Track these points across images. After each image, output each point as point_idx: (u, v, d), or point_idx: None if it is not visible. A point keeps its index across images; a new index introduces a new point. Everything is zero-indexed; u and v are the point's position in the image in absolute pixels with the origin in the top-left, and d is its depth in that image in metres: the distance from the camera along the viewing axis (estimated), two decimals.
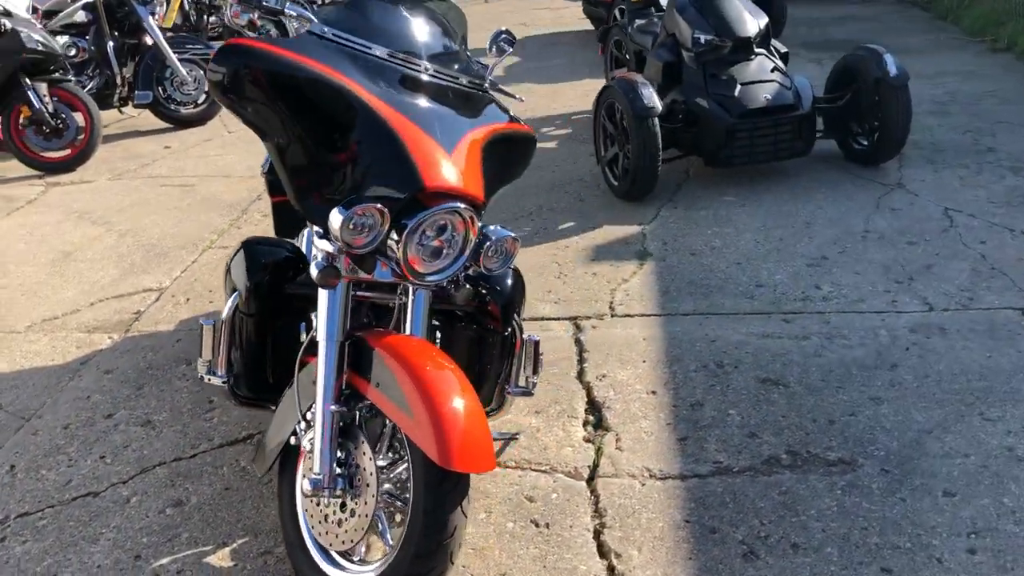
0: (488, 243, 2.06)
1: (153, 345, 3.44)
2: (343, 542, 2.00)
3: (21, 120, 5.77)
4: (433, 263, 1.97)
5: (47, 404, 3.07)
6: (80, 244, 4.60)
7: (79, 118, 5.97)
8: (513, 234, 2.11)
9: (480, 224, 2.03)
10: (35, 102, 5.70)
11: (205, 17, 7.90)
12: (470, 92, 2.17)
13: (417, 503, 1.86)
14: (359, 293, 2.11)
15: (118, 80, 6.53)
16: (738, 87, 4.58)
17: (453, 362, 1.96)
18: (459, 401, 1.83)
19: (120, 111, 6.82)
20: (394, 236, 1.90)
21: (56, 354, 3.43)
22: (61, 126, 5.86)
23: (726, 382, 2.93)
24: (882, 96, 4.56)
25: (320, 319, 1.99)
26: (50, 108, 5.78)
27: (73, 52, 6.60)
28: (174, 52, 6.51)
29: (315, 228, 2.00)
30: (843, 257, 3.79)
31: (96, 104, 6.07)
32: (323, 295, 1.99)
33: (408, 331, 2.06)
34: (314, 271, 1.89)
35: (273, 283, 2.17)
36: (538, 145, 5.70)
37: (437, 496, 1.84)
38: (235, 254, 2.22)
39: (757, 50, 4.76)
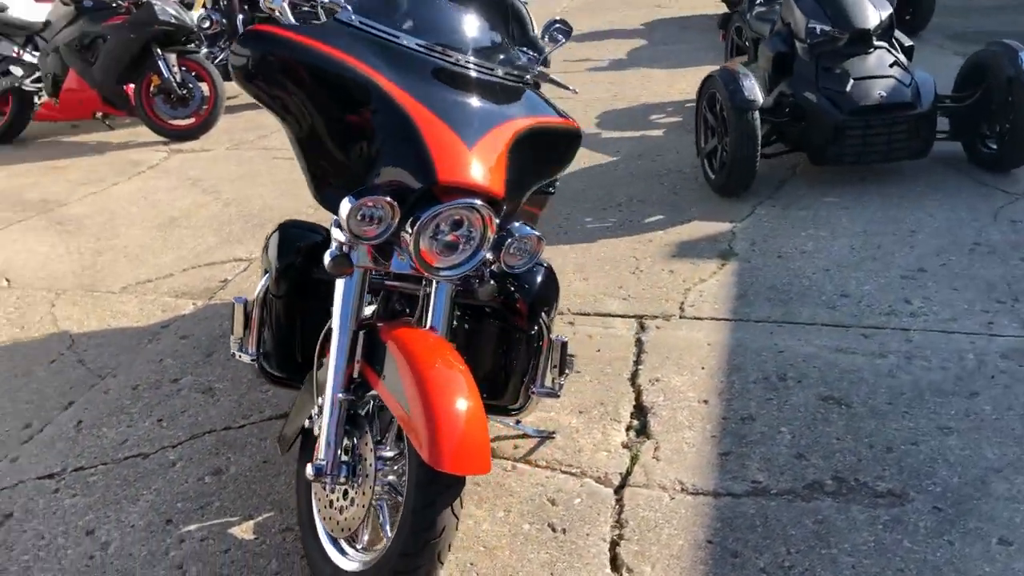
0: (510, 240, 2.00)
1: (231, 314, 3.56)
2: (343, 529, 2.01)
3: (151, 88, 6.08)
4: (448, 258, 1.93)
5: (123, 364, 3.23)
6: (187, 211, 4.82)
7: (205, 88, 6.24)
8: (537, 233, 2.04)
9: (499, 220, 1.97)
10: (164, 72, 6.00)
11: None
12: (508, 84, 2.11)
13: (408, 500, 1.84)
14: (388, 282, 2.11)
15: None
16: (851, 82, 4.32)
17: (463, 361, 1.92)
18: (459, 401, 1.80)
19: None
20: (409, 228, 1.88)
21: (142, 316, 3.61)
22: (187, 95, 6.14)
23: (785, 397, 2.77)
24: (1015, 96, 4.19)
25: (335, 307, 1.99)
26: (178, 78, 6.06)
27: (207, 24, 6.89)
28: None
29: (333, 217, 2.00)
30: (943, 270, 3.52)
31: (221, 75, 6.32)
32: (339, 283, 1.99)
33: (429, 323, 2.04)
34: (327, 259, 1.90)
35: (303, 267, 2.19)
36: (644, 133, 5.63)
37: (427, 495, 1.81)
38: (271, 234, 2.25)
39: (876, 43, 4.47)
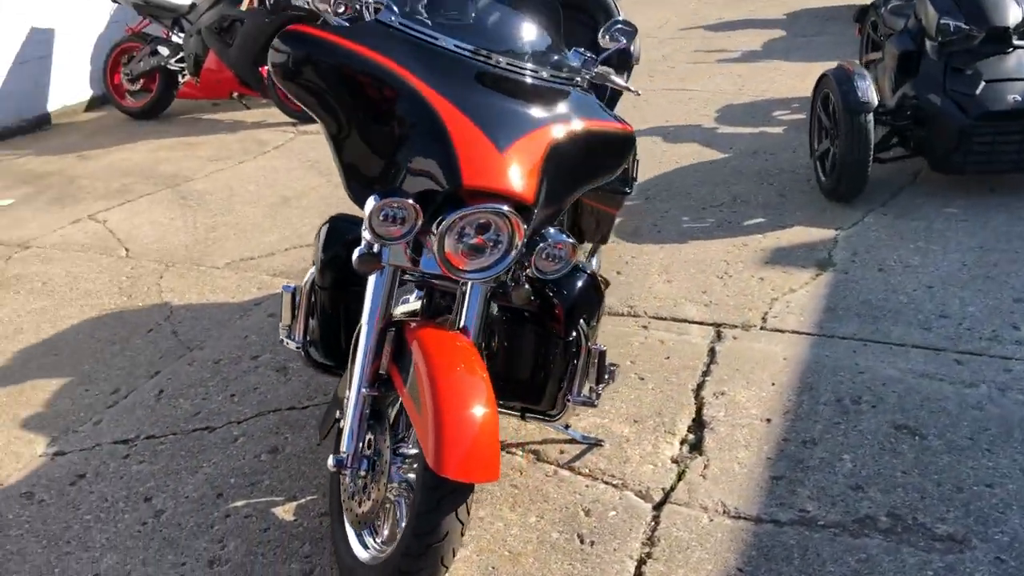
0: (542, 245, 1.97)
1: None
2: (360, 522, 2.04)
3: None
4: (474, 260, 1.92)
5: (211, 338, 3.39)
6: (300, 191, 5.00)
7: None
8: (572, 240, 2.00)
9: (530, 226, 1.94)
10: None
11: None
12: (553, 87, 2.07)
13: (414, 501, 1.85)
14: (427, 279, 2.12)
15: None
16: (982, 85, 4.00)
17: (483, 367, 1.91)
18: (471, 407, 1.79)
19: None
20: (434, 229, 1.88)
21: (238, 292, 3.77)
22: None
23: (855, 422, 2.62)
24: None
25: (365, 304, 2.02)
26: None
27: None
28: None
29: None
30: None
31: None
32: (369, 280, 2.01)
33: (462, 322, 2.04)
34: (354, 256, 1.92)
35: (347, 259, 2.22)
36: (763, 130, 5.41)
37: (431, 498, 1.82)
38: (322, 226, 2.30)
39: (1017, 42, 4.12)
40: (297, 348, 2.36)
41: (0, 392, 3.08)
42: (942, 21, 4.16)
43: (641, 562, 2.17)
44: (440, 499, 1.82)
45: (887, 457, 2.46)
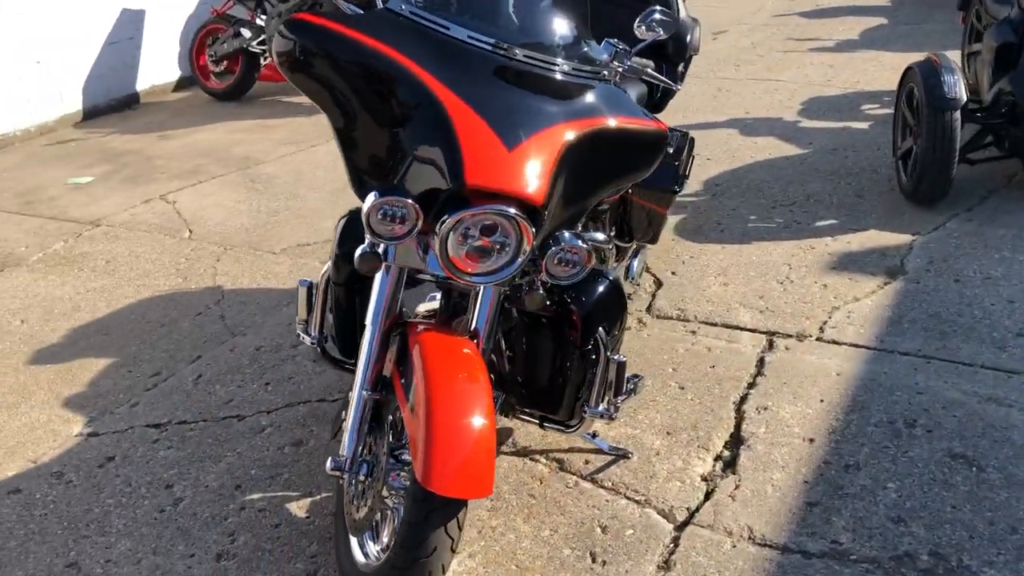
0: (554, 249, 1.86)
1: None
2: (357, 528, 1.98)
3: None
4: (481, 263, 1.82)
5: (256, 324, 3.39)
6: None
7: None
8: (586, 245, 1.88)
9: (539, 228, 1.83)
10: None
11: None
12: (575, 81, 1.95)
13: (404, 512, 1.78)
14: (445, 280, 2.04)
15: None
16: None
17: (486, 375, 1.82)
18: (467, 418, 1.71)
19: None
20: (438, 230, 1.79)
21: (290, 279, 3.77)
22: None
23: (906, 447, 2.42)
24: None
25: (369, 304, 1.95)
26: None
27: None
28: None
29: None
30: None
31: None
32: (375, 279, 1.94)
33: (472, 324, 1.96)
34: (356, 255, 1.85)
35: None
36: (848, 125, 5.13)
37: (419, 511, 1.75)
38: (340, 219, 2.24)
39: None
40: (312, 344, 2.32)
41: (49, 369, 3.14)
42: None
43: None
44: (429, 512, 1.74)
45: (937, 488, 2.27)
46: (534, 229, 1.80)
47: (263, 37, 6.63)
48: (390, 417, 1.96)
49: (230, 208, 4.64)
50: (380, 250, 1.86)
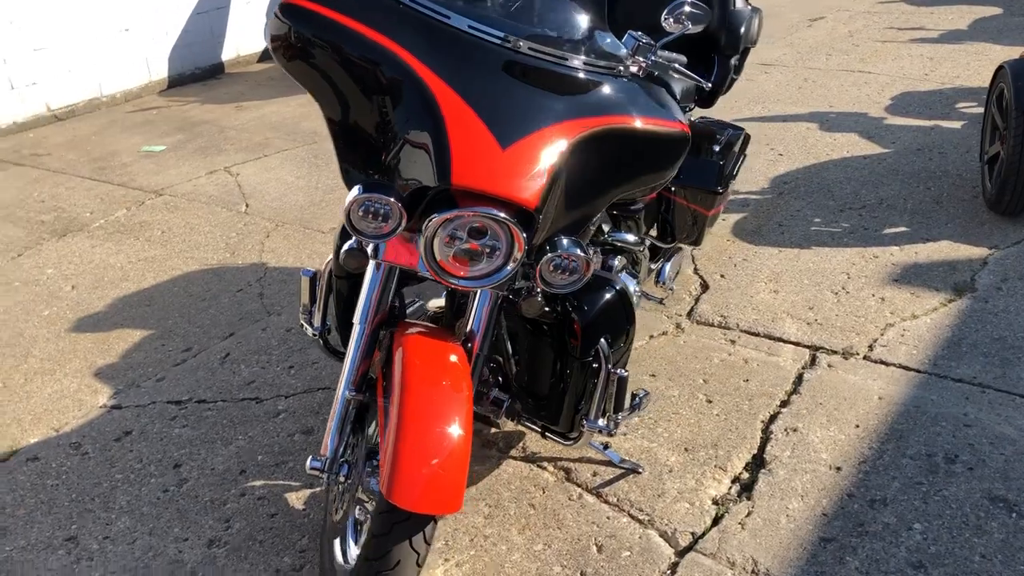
0: (549, 256, 1.75)
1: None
2: (333, 531, 1.93)
3: None
4: (472, 267, 1.73)
5: (291, 304, 3.38)
6: None
7: None
8: (584, 254, 1.76)
9: (531, 233, 1.72)
10: None
11: None
12: (584, 77, 1.82)
13: (369, 522, 1.72)
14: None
15: None
16: None
17: (469, 384, 1.74)
18: (440, 428, 1.63)
19: None
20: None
21: None
22: None
23: (941, 486, 2.24)
24: None
25: (359, 301, 1.88)
26: None
27: None
28: None
29: None
30: None
31: None
32: (365, 276, 1.87)
33: (468, 327, 1.87)
34: (342, 251, 1.79)
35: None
36: (938, 123, 4.82)
37: (384, 523, 1.68)
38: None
39: None
40: (314, 335, 2.27)
41: (88, 338, 3.20)
42: None
43: None
44: (393, 525, 1.67)
45: (968, 534, 2.08)
46: (525, 234, 1.69)
47: None
48: (373, 421, 1.91)
49: (289, 184, 4.66)
50: (370, 248, 1.79)
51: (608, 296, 1.99)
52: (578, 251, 1.77)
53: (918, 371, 2.71)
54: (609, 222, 2.56)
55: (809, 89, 5.60)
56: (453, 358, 1.79)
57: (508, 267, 1.73)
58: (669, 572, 2.04)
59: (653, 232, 2.90)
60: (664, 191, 2.77)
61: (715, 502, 2.25)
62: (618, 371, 2.00)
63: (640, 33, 1.96)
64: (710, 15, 2.05)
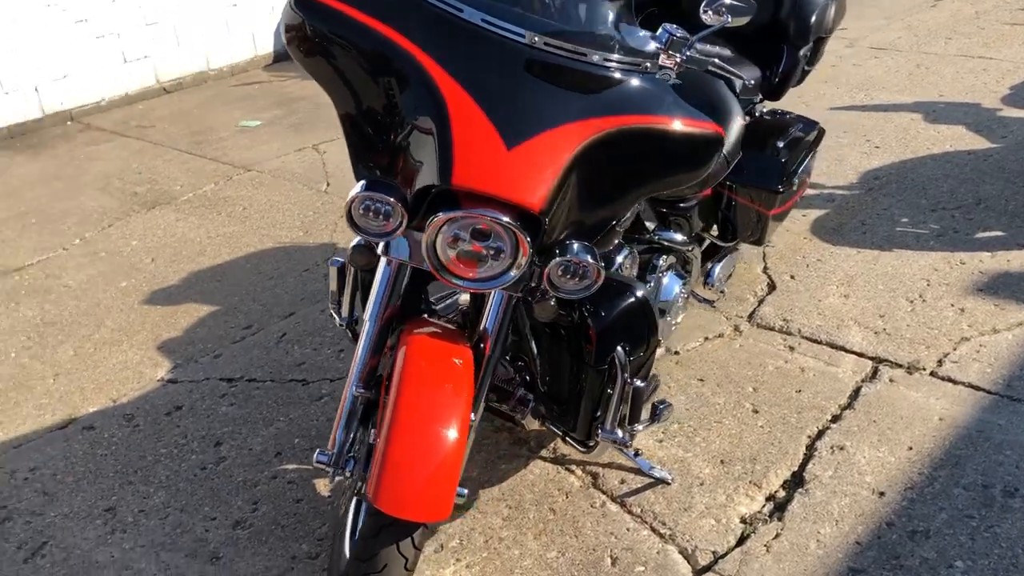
0: (557, 260, 1.69)
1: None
2: (342, 524, 1.94)
3: None
4: (482, 269, 1.69)
5: None
6: None
7: None
8: (594, 260, 1.69)
9: (535, 237, 1.66)
10: None
11: None
12: (605, 74, 1.74)
13: (361, 522, 1.71)
14: None
15: None
16: None
17: (471, 388, 1.71)
18: (433, 433, 1.61)
19: None
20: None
21: None
22: None
23: (995, 520, 2.07)
24: None
25: (369, 297, 1.87)
26: None
27: None
28: None
29: None
30: None
31: None
32: (377, 272, 1.86)
33: (481, 326, 1.84)
34: (350, 247, 1.78)
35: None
36: None
37: (373, 524, 1.68)
38: None
39: None
40: (341, 325, 2.27)
41: (157, 311, 3.32)
42: None
43: None
44: (380, 527, 1.67)
45: (1013, 573, 1.92)
46: (529, 238, 1.63)
47: None
48: (377, 411, 1.90)
49: None
50: (380, 245, 1.78)
51: (627, 303, 1.91)
52: (588, 257, 1.70)
53: (988, 392, 2.51)
54: (655, 220, 2.47)
55: (920, 76, 5.26)
56: (457, 360, 1.75)
57: (511, 273, 1.67)
58: None
59: (713, 231, 2.78)
60: (723, 187, 2.65)
61: (743, 520, 2.15)
62: (635, 381, 1.92)
63: (674, 27, 1.85)
64: (754, 8, 1.91)
